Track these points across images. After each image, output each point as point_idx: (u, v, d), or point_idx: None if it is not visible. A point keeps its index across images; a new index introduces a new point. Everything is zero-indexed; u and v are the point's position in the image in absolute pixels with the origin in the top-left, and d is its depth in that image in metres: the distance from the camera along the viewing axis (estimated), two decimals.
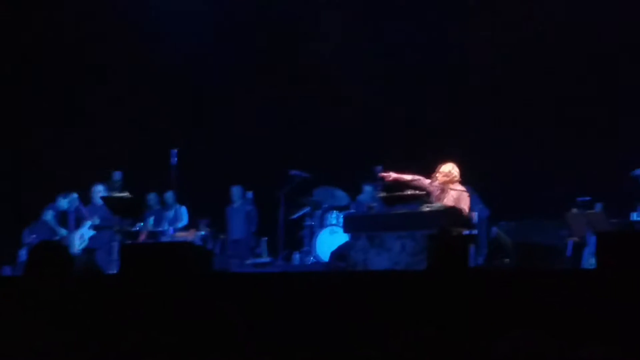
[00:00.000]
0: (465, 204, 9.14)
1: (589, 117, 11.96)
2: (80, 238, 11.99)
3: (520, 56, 12.45)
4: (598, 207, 10.16)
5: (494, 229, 10.28)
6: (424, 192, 9.16)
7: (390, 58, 13.20)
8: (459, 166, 9.45)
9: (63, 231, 12.04)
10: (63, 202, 12.04)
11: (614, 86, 12.05)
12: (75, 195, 11.98)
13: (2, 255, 12.49)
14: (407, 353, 4.85)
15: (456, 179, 9.32)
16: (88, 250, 11.65)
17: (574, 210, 10.00)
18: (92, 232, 11.86)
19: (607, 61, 12.06)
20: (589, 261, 9.23)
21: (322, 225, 11.83)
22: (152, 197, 12.84)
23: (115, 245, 11.18)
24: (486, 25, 12.64)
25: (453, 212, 8.73)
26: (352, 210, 11.29)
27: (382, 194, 9.61)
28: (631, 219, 10.34)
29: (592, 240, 9.14)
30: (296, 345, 5.19)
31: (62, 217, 12.23)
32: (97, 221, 11.84)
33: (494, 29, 12.51)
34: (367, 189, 10.27)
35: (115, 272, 10.50)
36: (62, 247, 4.23)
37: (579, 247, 9.95)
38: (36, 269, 4.10)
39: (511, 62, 12.46)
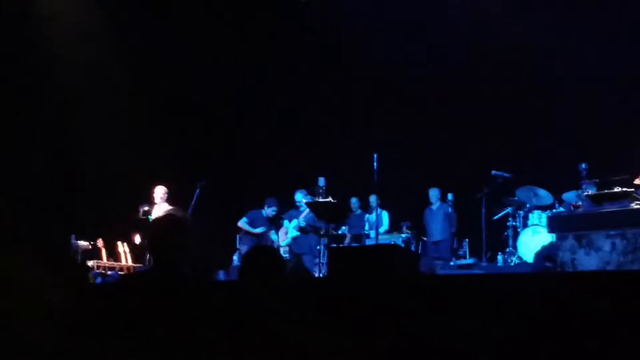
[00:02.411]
0: None
1: None
2: (285, 234, 12.41)
3: None
4: None
5: None
6: (633, 190, 8.84)
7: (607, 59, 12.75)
8: None
9: (274, 236, 12.48)
10: (269, 210, 12.51)
11: None
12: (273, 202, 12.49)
13: (216, 260, 13.09)
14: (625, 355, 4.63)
15: None
16: (296, 255, 12.00)
17: None
18: (296, 233, 12.21)
19: None
20: None
21: (525, 225, 11.63)
22: (354, 202, 13.04)
23: (321, 249, 11.46)
24: None
25: None
26: (558, 210, 10.99)
27: (589, 192, 9.32)
28: None
29: None
30: (497, 345, 5.06)
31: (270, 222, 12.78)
32: (302, 223, 12.18)
33: None
34: (584, 187, 9.97)
35: (322, 274, 10.75)
36: (275, 251, 4.33)
37: None
38: (252, 274, 4.21)
39: None
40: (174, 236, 4.33)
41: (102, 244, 11.72)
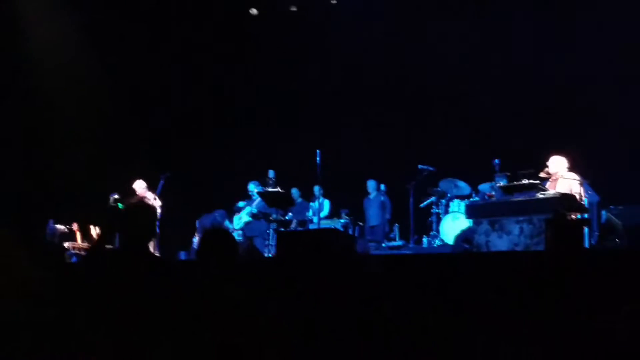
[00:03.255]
0: (576, 191, 8.90)
1: None
2: (240, 220, 12.40)
3: None
4: None
5: (604, 213, 9.92)
6: (539, 182, 8.96)
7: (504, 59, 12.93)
8: (571, 158, 9.24)
9: (228, 224, 12.43)
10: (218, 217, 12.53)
11: None
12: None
13: (178, 242, 13.01)
14: (527, 328, 4.74)
15: (564, 169, 9.15)
16: (248, 237, 11.97)
17: None
18: (249, 218, 12.20)
19: None
20: None
21: (446, 212, 11.73)
22: (294, 192, 13.01)
23: (271, 232, 11.45)
24: None
25: (567, 198, 8.49)
26: (474, 199, 11.12)
27: (501, 184, 9.44)
28: None
29: None
30: (423, 315, 5.14)
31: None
32: (254, 210, 12.16)
33: None
34: (497, 179, 10.10)
35: (271, 254, 10.75)
36: (228, 233, 4.31)
37: None
38: (207, 253, 4.19)
39: None
40: (143, 220, 4.33)
41: (77, 228, 11.64)
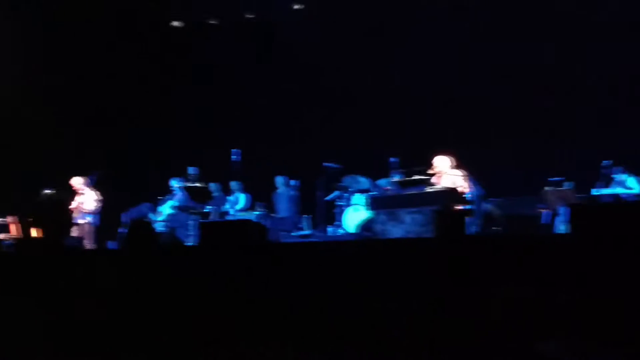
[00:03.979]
0: (460, 185, 9.12)
1: (561, 116, 11.90)
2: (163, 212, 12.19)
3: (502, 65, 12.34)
4: (568, 185, 10.05)
5: (486, 205, 10.21)
6: (428, 178, 9.15)
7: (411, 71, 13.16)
8: (457, 156, 9.46)
9: (153, 217, 12.19)
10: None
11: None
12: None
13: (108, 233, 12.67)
14: (417, 303, 4.84)
15: (450, 166, 9.36)
16: (170, 228, 11.77)
17: (548, 188, 9.91)
18: (171, 211, 12.00)
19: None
20: (559, 228, 9.14)
21: (349, 204, 11.82)
22: (212, 186, 12.86)
23: (192, 224, 11.29)
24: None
25: (452, 191, 8.70)
26: (373, 193, 11.25)
27: (396, 179, 9.59)
28: (591, 194, 10.26)
29: (562, 211, 9.06)
30: (327, 296, 5.18)
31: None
32: (176, 203, 11.97)
33: None
34: (394, 175, 10.24)
35: (193, 244, 10.61)
36: (148, 224, 4.24)
37: (552, 217, 9.87)
38: (131, 242, 4.12)
39: (494, 70, 12.36)
40: (62, 214, 4.23)
41: (11, 220, 11.20)
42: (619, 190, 10.40)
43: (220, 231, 5.78)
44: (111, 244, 12.13)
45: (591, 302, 3.96)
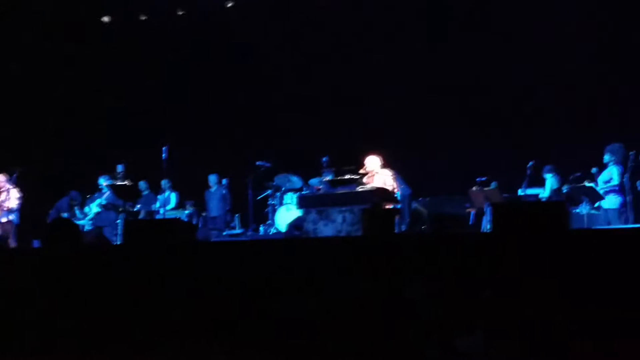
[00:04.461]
0: (390, 185, 9.23)
1: (490, 117, 12.19)
2: (90, 210, 11.92)
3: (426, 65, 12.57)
4: (493, 184, 10.31)
5: (414, 204, 10.38)
6: (359, 177, 9.22)
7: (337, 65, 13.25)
8: (386, 156, 9.57)
9: (80, 214, 11.93)
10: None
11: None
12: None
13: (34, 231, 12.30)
14: (346, 299, 4.88)
15: (380, 166, 9.46)
16: (97, 227, 11.54)
17: (475, 188, 10.15)
18: (98, 209, 11.76)
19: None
20: (487, 227, 9.37)
21: (281, 203, 11.84)
22: (142, 184, 12.67)
23: (120, 223, 11.08)
24: None
25: (382, 191, 8.79)
26: (304, 192, 11.30)
27: (328, 179, 9.65)
28: (518, 194, 10.56)
29: (489, 210, 9.29)
30: (256, 295, 5.16)
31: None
32: (104, 201, 11.73)
33: None
34: (325, 174, 10.31)
35: (119, 243, 10.41)
36: (70, 222, 4.15)
37: (479, 216, 10.11)
38: (52, 241, 4.02)
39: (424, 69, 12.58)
40: None
41: None
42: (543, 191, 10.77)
43: (146, 230, 5.68)
44: (37, 243, 11.81)
45: (510, 299, 4.08)
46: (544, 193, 10.60)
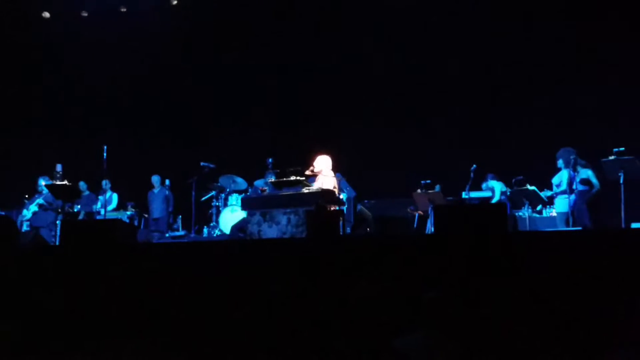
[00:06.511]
0: (335, 187, 9.26)
1: (434, 120, 12.38)
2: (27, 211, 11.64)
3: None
4: (437, 187, 10.46)
5: (359, 206, 10.45)
6: (305, 178, 9.21)
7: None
8: (333, 157, 9.60)
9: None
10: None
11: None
12: None
13: None
14: (288, 300, 4.89)
15: (328, 167, 9.48)
16: (34, 228, 11.25)
17: (419, 191, 10.27)
18: (36, 209, 11.48)
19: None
20: (431, 229, 9.49)
21: (225, 205, 11.77)
22: (82, 184, 12.42)
23: (58, 224, 10.82)
24: None
25: (327, 193, 8.81)
26: (249, 193, 11.26)
27: (272, 180, 9.62)
28: (461, 196, 10.73)
29: (432, 213, 9.40)
30: (199, 297, 5.13)
31: None
32: (41, 201, 11.46)
33: None
34: (269, 176, 10.27)
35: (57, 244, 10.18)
36: (9, 220, 4.04)
37: (423, 219, 10.24)
38: None
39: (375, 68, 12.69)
40: None
41: None
42: (487, 194, 10.97)
43: (84, 231, 5.58)
44: None
45: (453, 300, 4.15)
46: (494, 199, 10.80)
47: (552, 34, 11.69)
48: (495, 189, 10.87)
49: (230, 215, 11.41)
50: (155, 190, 12.85)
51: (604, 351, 3.96)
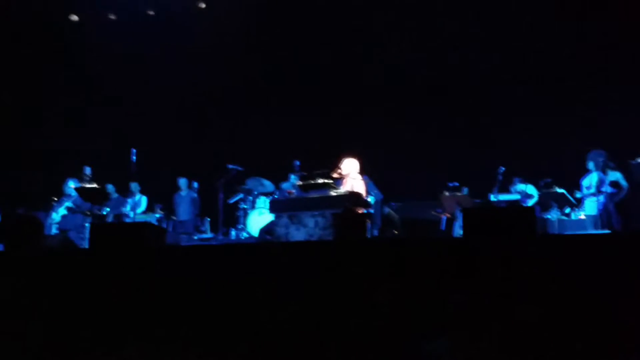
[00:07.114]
0: (362, 190, 9.27)
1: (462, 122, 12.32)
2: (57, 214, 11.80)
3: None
4: (464, 190, 10.42)
5: (386, 208, 10.44)
6: (332, 181, 9.23)
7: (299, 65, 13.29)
8: (359, 160, 9.61)
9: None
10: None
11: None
12: None
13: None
14: (318, 304, 4.91)
15: (355, 170, 9.49)
16: (63, 230, 11.40)
17: (446, 193, 10.24)
18: (65, 212, 11.63)
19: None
20: (458, 232, 9.46)
21: (253, 207, 11.81)
22: (110, 187, 12.56)
23: (87, 227, 10.95)
24: None
25: (354, 195, 8.83)
26: (276, 196, 11.30)
27: (300, 182, 9.66)
28: (489, 199, 10.68)
29: (460, 216, 9.37)
30: (227, 300, 5.16)
31: None
32: (70, 204, 11.60)
33: None
34: (292, 178, 10.31)
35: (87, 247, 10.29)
36: (37, 220, 4.09)
37: (450, 222, 10.20)
38: (13, 238, 3.96)
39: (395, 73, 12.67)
40: None
41: None
42: (515, 197, 10.89)
43: (113, 234, 5.64)
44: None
45: (482, 303, 4.14)
46: (532, 200, 10.71)
47: (582, 33, 11.58)
48: (528, 191, 10.78)
49: (258, 218, 11.46)
50: (183, 193, 12.96)
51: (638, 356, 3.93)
